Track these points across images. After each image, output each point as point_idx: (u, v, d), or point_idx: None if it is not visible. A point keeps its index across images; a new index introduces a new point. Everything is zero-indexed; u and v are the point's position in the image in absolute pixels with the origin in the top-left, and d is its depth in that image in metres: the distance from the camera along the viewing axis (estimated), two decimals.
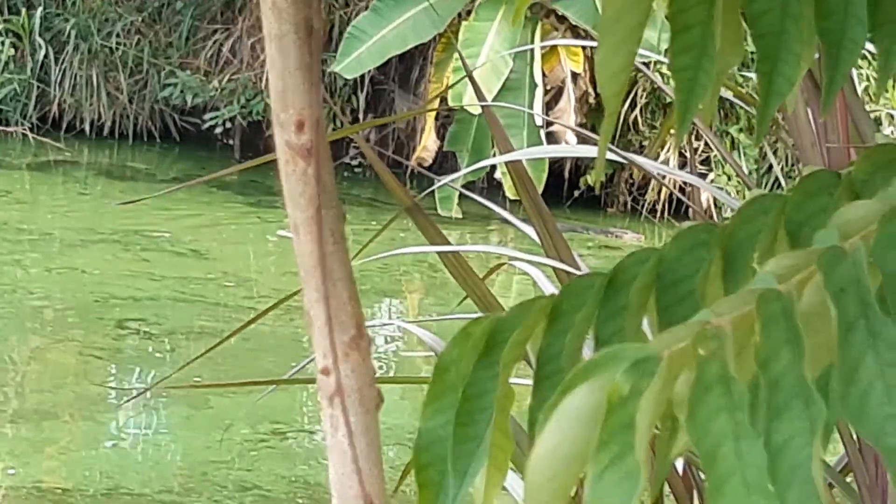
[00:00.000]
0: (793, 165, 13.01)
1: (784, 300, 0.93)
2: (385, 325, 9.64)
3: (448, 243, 2.73)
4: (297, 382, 6.98)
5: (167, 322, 9.40)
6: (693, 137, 11.13)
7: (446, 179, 7.49)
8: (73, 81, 15.90)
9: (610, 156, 2.43)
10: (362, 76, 14.47)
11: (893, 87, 12.56)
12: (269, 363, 8.47)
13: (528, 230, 2.72)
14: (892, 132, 12.94)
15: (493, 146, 12.16)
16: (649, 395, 0.88)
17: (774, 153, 12.97)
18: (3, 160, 14.74)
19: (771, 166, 13.50)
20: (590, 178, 14.09)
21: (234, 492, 6.75)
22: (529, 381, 1.09)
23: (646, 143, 14.05)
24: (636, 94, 13.91)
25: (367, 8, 13.83)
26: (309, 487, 6.93)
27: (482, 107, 3.05)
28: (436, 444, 1.05)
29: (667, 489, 2.60)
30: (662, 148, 13.15)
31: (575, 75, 13.66)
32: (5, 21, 15.83)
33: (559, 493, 0.90)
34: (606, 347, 0.91)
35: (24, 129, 15.50)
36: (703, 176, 13.10)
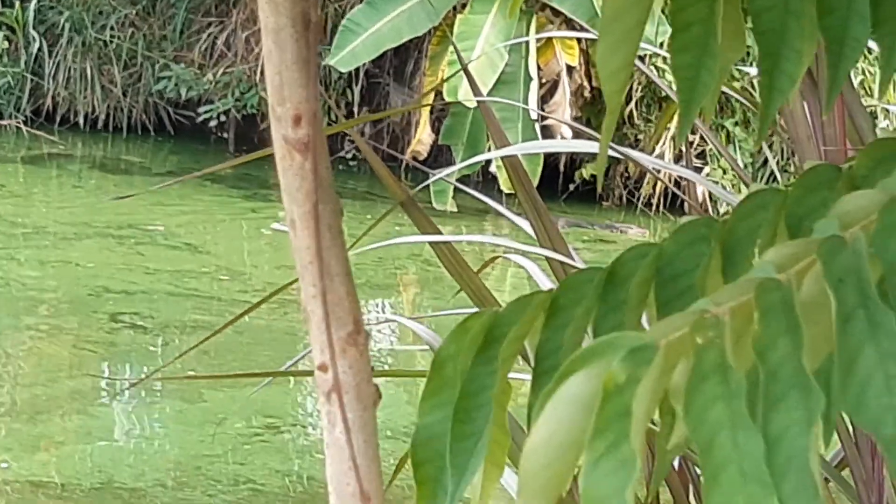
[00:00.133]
0: (788, 159, 13.01)
1: (783, 289, 0.93)
2: (383, 322, 9.62)
3: None
4: (292, 375, 6.97)
5: (161, 315, 9.39)
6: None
7: (441, 173, 7.49)
8: (67, 74, 15.88)
9: None
10: (357, 69, 14.46)
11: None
12: (263, 357, 8.46)
13: (524, 224, 2.72)
14: (887, 126, 12.94)
15: (488, 140, 12.16)
16: (646, 384, 0.87)
17: (770, 147, 12.95)
18: None
19: (766, 160, 13.49)
20: (585, 172, 14.08)
21: (227, 486, 6.74)
22: (523, 376, 1.08)
23: (641, 136, 14.05)
24: (632, 87, 13.89)
25: (361, 1, 13.81)
26: (303, 482, 6.93)
27: (477, 101, 3.04)
28: (433, 441, 1.05)
29: (662, 484, 2.59)
30: (658, 142, 13.15)
31: (570, 68, 13.64)
32: None
33: (554, 481, 0.90)
34: None
35: (18, 122, 15.48)
36: (698, 170, 13.09)
